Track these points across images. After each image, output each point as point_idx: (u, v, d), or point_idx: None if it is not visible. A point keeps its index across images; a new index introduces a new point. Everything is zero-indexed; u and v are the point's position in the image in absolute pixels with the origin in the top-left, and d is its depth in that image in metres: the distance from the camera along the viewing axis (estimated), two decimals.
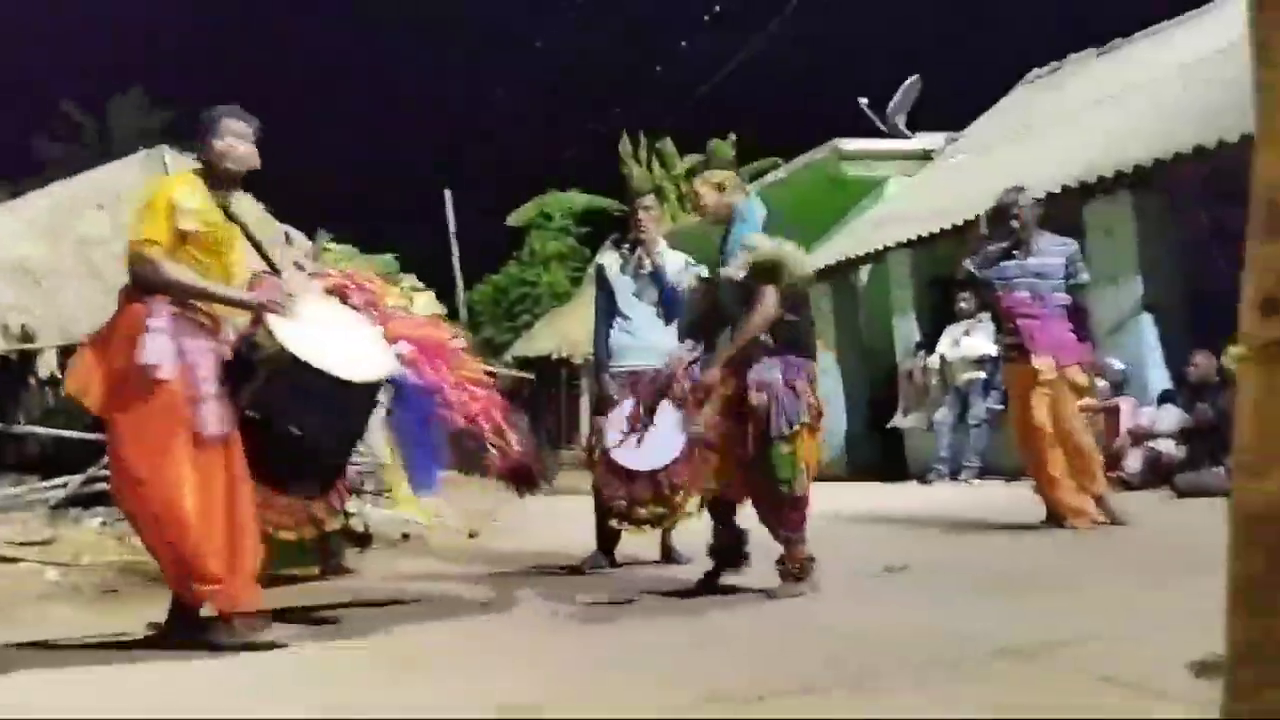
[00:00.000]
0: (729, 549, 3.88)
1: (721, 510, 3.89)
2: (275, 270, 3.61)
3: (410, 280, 4.03)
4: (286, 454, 3.33)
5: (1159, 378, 7.69)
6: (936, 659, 2.47)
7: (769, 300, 3.60)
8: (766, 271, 3.61)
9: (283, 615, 3.43)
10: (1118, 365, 5.15)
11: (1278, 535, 0.75)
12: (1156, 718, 1.90)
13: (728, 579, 3.85)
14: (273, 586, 5.03)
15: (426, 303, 3.95)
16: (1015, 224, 5.19)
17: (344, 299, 3.62)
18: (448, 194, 24.55)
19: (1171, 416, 7.07)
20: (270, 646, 3.06)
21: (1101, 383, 5.13)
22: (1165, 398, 7.44)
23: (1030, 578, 3.68)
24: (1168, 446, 6.91)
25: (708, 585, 3.87)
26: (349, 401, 3.37)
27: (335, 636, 3.42)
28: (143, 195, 3.43)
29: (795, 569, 3.63)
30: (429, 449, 3.76)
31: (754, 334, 3.62)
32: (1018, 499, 5.54)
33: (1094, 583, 3.48)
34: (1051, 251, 5.16)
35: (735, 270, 3.66)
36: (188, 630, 3.16)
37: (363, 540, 5.83)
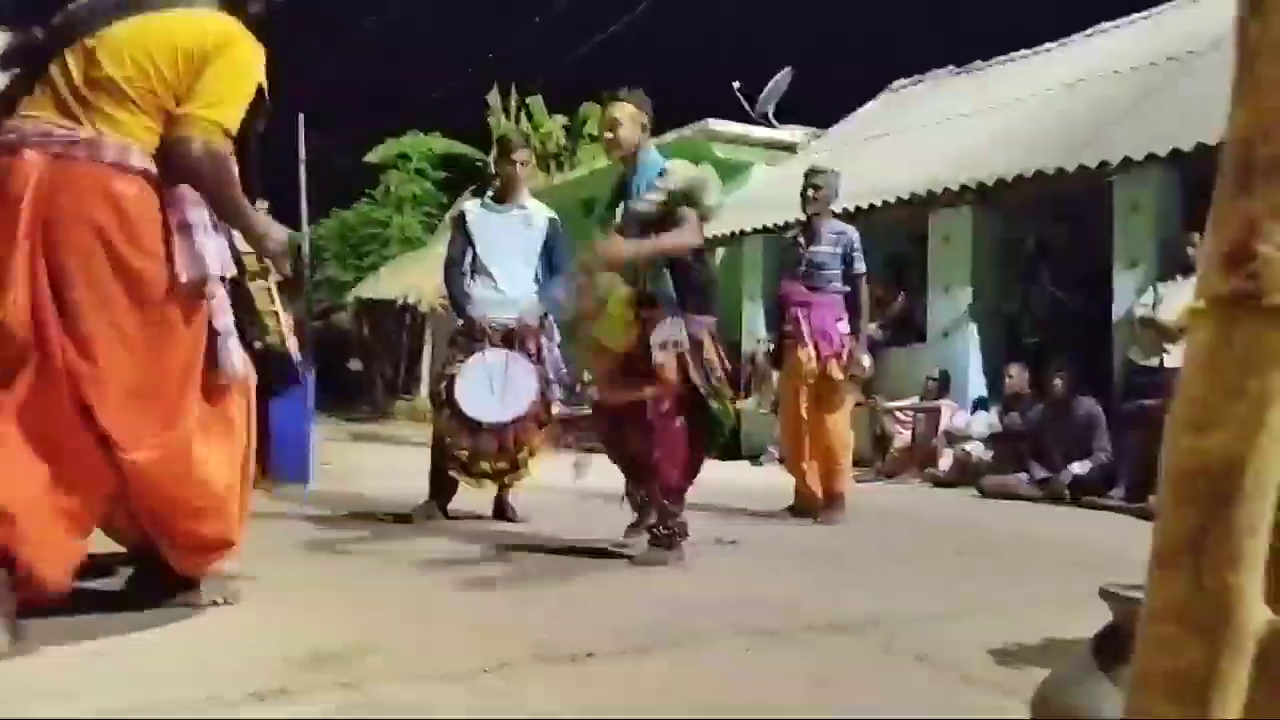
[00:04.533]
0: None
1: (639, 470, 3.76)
2: None
3: None
4: None
5: (977, 384, 8.21)
6: (759, 628, 2.56)
7: (693, 223, 3.50)
8: (687, 197, 3.50)
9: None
10: (867, 361, 5.27)
11: (1212, 493, 0.78)
12: (962, 699, 2.04)
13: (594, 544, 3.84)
14: None
15: None
16: (809, 201, 5.20)
17: None
18: (301, 118, 23.40)
19: (984, 422, 7.57)
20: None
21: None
22: (979, 404, 7.96)
23: (850, 558, 3.87)
24: (977, 449, 7.39)
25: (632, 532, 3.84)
26: None
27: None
28: (219, 39, 2.35)
29: (666, 536, 3.59)
30: (304, 437, 3.35)
31: (672, 248, 3.46)
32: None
33: (904, 567, 3.68)
34: (828, 239, 5.15)
35: (650, 200, 3.52)
36: (179, 593, 2.60)
37: None
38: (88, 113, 2.30)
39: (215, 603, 2.59)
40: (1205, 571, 0.78)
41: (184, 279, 2.33)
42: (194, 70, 2.31)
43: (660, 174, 3.58)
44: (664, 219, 3.50)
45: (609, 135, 3.67)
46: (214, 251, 2.38)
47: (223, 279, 2.44)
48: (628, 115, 3.64)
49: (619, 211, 3.66)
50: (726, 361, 3.68)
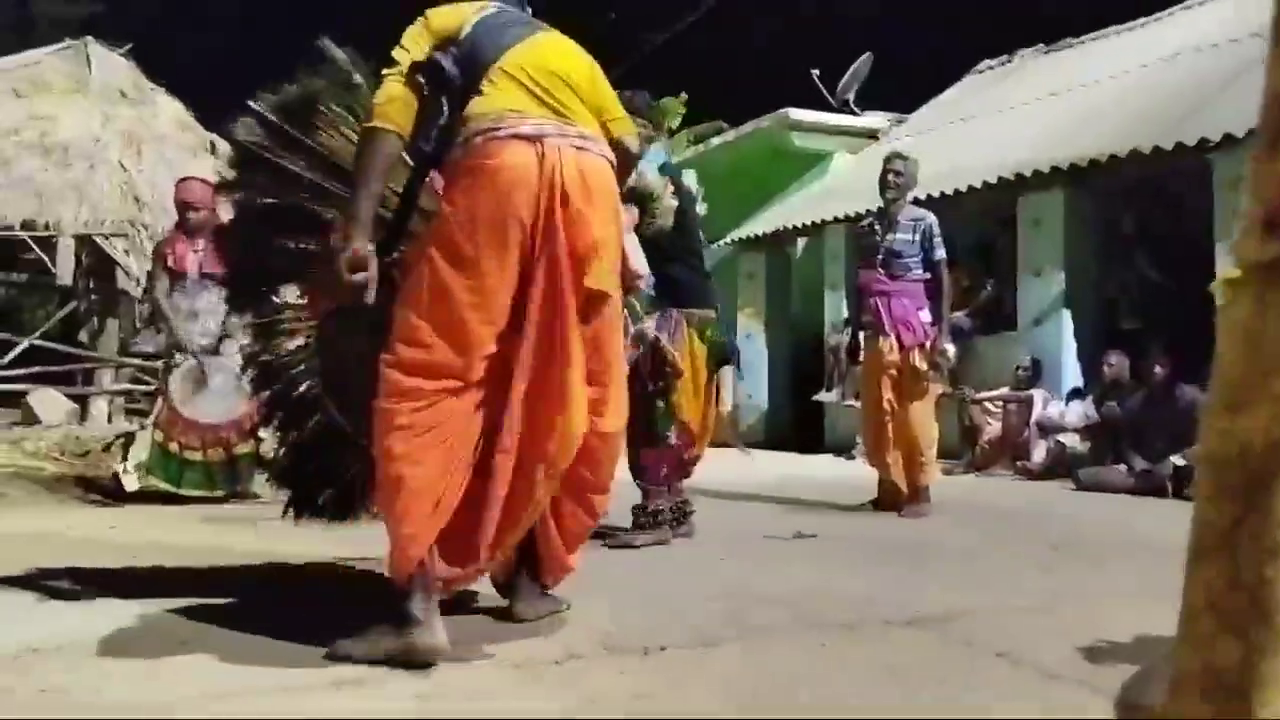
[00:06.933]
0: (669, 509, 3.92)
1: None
2: None
3: None
4: None
5: (1071, 373, 7.93)
6: (834, 621, 2.50)
7: (630, 218, 3.61)
8: (641, 199, 3.67)
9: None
10: (951, 350, 5.09)
11: (1249, 479, 0.72)
12: (1043, 695, 1.95)
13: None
14: (173, 504, 4.94)
15: None
16: (887, 187, 5.07)
17: None
18: None
19: (1079, 412, 7.30)
20: None
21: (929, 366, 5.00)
22: (1074, 394, 7.68)
23: (933, 552, 3.76)
24: (1072, 441, 7.13)
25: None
26: None
27: (224, 558, 3.33)
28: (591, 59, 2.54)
29: (645, 519, 3.72)
30: None
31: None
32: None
33: (990, 562, 3.57)
34: (906, 226, 5.02)
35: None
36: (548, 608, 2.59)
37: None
38: (564, 108, 2.34)
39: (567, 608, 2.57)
40: (1243, 565, 0.71)
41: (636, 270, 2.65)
42: (596, 82, 2.49)
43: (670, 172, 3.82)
44: None
45: None
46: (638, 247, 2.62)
47: None
48: None
49: None
50: (679, 360, 3.76)
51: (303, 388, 2.79)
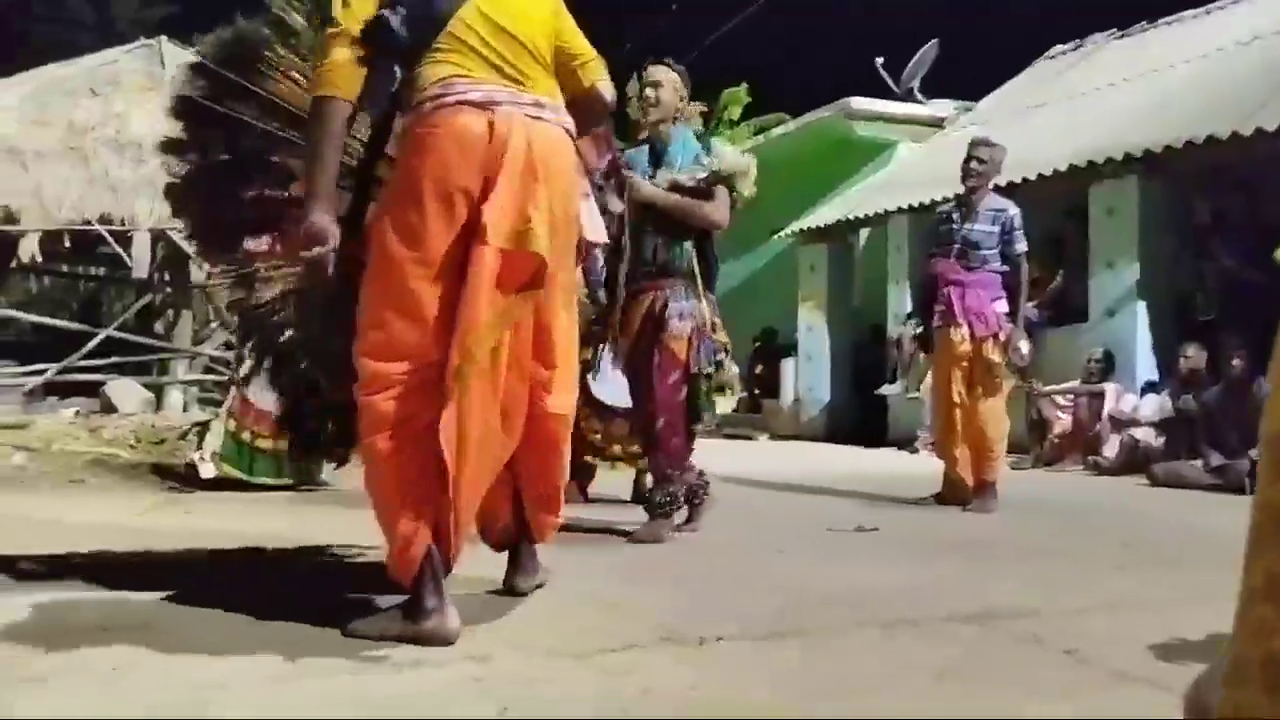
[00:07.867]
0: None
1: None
2: None
3: None
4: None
5: (1145, 365, 7.70)
6: (897, 618, 2.46)
7: (725, 202, 3.65)
8: (729, 178, 3.66)
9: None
10: (1026, 348, 4.99)
11: None
12: (1111, 694, 1.90)
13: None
14: (243, 491, 5.06)
15: None
16: (969, 174, 4.95)
17: None
18: None
19: (1153, 406, 7.09)
20: None
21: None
22: (1149, 387, 7.46)
23: (1000, 548, 3.69)
24: (1147, 435, 6.93)
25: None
26: None
27: (294, 544, 3.39)
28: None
29: (665, 507, 3.65)
30: None
31: (698, 216, 3.63)
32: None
33: (1060, 559, 3.48)
34: (986, 216, 4.89)
35: (693, 174, 3.66)
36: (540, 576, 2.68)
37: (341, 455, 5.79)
38: (518, 73, 2.26)
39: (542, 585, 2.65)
40: None
41: (591, 239, 2.49)
42: (557, 25, 2.39)
43: (707, 151, 3.72)
44: (701, 193, 3.65)
45: (649, 94, 3.80)
46: (597, 216, 2.55)
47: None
48: (670, 80, 3.78)
49: (657, 176, 3.75)
50: (726, 344, 3.77)
51: (285, 336, 2.73)
